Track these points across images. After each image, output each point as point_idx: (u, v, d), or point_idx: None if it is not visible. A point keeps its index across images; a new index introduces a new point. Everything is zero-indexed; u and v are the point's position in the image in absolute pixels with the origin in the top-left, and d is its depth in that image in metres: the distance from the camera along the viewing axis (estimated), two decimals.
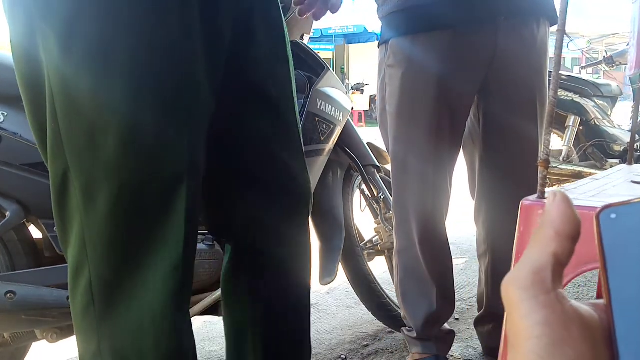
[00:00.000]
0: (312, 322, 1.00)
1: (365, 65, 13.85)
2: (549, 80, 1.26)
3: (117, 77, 0.65)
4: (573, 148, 2.78)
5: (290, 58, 0.88)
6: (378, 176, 1.63)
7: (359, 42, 12.49)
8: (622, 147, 2.76)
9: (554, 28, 1.21)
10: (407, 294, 1.29)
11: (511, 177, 1.22)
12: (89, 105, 0.66)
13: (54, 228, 1.08)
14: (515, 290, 0.21)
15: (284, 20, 0.88)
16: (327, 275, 1.44)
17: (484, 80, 1.17)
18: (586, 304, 0.23)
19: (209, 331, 1.75)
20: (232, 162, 0.85)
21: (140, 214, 0.69)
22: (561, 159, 2.75)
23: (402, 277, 1.28)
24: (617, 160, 2.72)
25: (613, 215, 0.22)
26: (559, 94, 1.59)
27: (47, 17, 0.64)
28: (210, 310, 1.25)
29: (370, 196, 1.65)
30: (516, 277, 0.22)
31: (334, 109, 1.42)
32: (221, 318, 1.52)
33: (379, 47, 1.26)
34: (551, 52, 1.15)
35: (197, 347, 0.79)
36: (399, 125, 1.20)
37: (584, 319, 0.21)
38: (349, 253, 1.56)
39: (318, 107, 1.37)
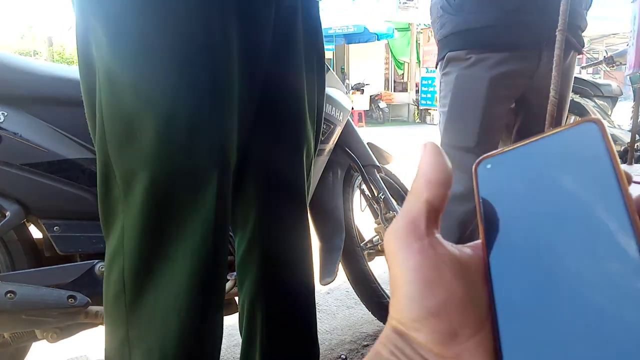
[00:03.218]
0: None
1: (365, 65, 13.86)
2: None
3: (157, 72, 0.68)
4: None
5: (324, 57, 0.94)
6: (378, 176, 1.63)
7: (359, 42, 12.48)
8: (622, 147, 2.76)
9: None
10: None
11: None
12: (129, 98, 0.68)
13: (55, 228, 1.09)
14: (392, 240, 0.22)
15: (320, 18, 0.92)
16: (327, 275, 1.44)
17: (524, 89, 1.38)
18: (467, 246, 0.24)
19: None
20: (259, 160, 0.88)
21: (171, 206, 0.71)
22: None
23: None
24: None
25: (489, 166, 0.24)
26: None
27: (97, 13, 0.68)
28: None
29: (370, 196, 1.65)
30: (394, 228, 0.23)
31: (334, 109, 1.42)
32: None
33: (436, 66, 1.48)
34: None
35: None
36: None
37: (459, 260, 0.22)
38: (349, 253, 1.56)
39: None
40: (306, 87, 0.88)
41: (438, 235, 0.22)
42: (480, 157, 0.24)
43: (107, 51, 0.68)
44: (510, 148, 0.23)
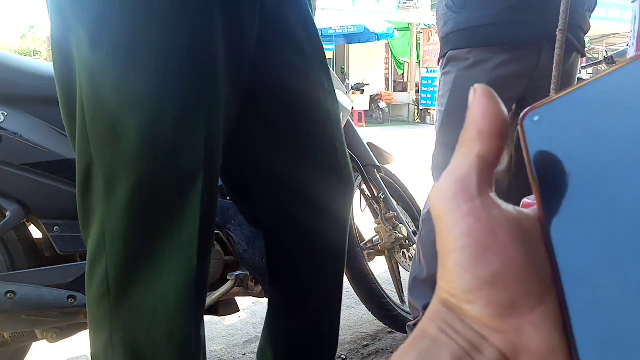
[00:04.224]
0: None
1: (365, 65, 13.86)
2: None
3: (140, 72, 0.67)
4: None
5: (322, 50, 0.92)
6: (378, 176, 1.63)
7: (359, 42, 12.48)
8: None
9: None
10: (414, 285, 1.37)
11: None
12: (112, 99, 0.67)
13: (55, 228, 1.09)
14: (439, 202, 0.20)
15: (311, 11, 0.91)
16: None
17: (523, 91, 1.38)
18: (529, 209, 0.21)
19: (209, 331, 1.75)
20: (258, 156, 0.88)
21: (156, 207, 0.70)
22: None
23: (420, 261, 1.36)
24: None
25: (536, 118, 0.21)
26: None
27: (78, 14, 0.67)
28: (210, 310, 1.25)
29: (370, 196, 1.65)
30: (440, 189, 0.20)
31: None
32: (221, 318, 1.52)
33: (438, 63, 1.48)
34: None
35: None
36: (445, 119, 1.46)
37: (518, 223, 0.19)
38: (349, 253, 1.56)
39: None
40: (305, 83, 0.87)
41: (492, 195, 0.20)
42: (526, 110, 0.21)
43: (88, 52, 0.66)
44: (559, 95, 0.20)
